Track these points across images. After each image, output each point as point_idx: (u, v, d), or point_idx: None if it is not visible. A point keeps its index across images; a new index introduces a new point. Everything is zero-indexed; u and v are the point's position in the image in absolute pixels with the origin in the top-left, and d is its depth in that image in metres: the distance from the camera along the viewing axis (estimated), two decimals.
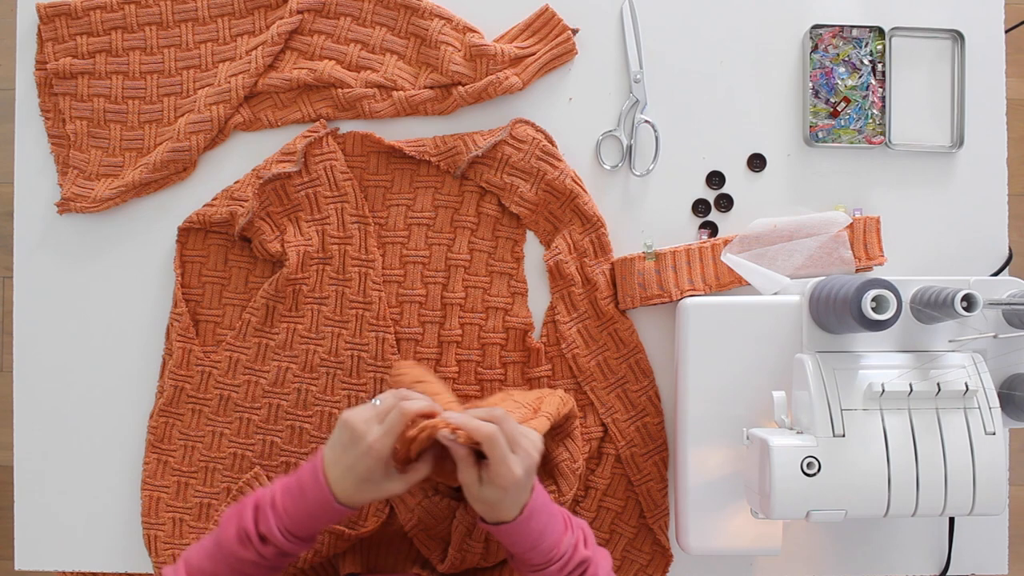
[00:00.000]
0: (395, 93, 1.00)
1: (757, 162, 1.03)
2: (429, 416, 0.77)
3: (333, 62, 1.00)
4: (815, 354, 0.87)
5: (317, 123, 1.01)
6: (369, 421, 0.77)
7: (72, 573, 1.04)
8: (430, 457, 0.80)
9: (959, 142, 1.03)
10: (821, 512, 0.80)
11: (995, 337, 0.87)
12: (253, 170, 1.01)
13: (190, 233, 1.01)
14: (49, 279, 1.02)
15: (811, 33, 1.01)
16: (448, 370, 1.00)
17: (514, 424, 0.78)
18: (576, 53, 1.02)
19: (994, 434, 0.82)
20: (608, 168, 1.02)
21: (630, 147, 1.02)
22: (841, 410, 0.82)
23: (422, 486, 0.95)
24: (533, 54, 1.01)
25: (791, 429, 0.86)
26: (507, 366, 1.00)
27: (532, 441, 0.79)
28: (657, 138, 1.01)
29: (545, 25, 1.01)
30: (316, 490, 0.76)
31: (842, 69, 1.02)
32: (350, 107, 1.00)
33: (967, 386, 0.82)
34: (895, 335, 0.89)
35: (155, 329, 1.02)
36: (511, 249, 1.01)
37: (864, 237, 0.99)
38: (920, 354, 0.88)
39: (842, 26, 1.01)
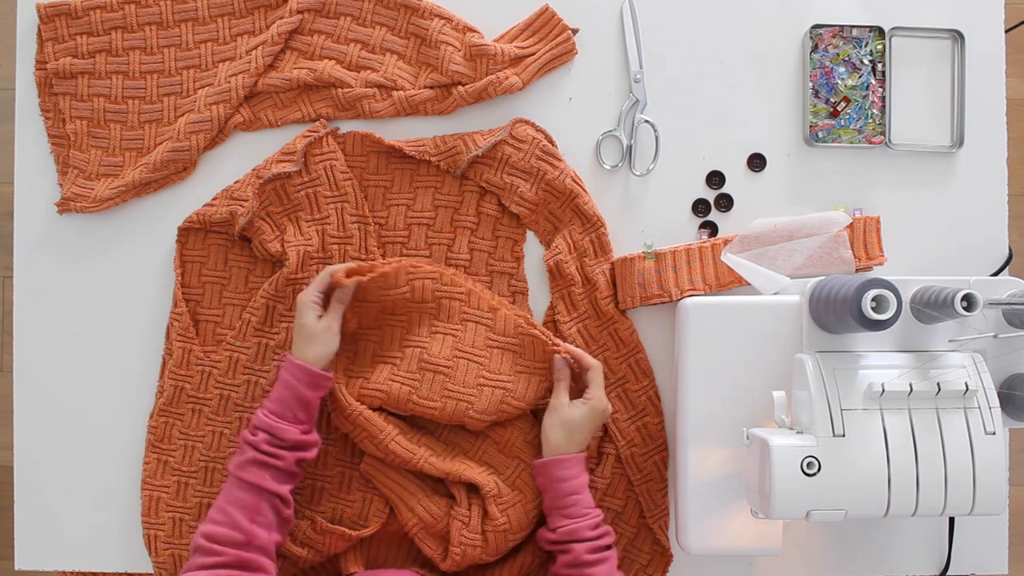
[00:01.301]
0: (395, 93, 1.00)
1: (757, 162, 1.03)
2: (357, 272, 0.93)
3: (333, 62, 1.00)
4: (815, 354, 0.87)
5: (317, 123, 1.01)
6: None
7: (72, 573, 1.04)
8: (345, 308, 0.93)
9: (959, 142, 1.03)
10: (821, 512, 0.80)
11: (995, 337, 0.87)
12: (253, 170, 1.01)
13: (190, 233, 1.01)
14: (49, 279, 1.02)
15: (811, 33, 1.01)
16: None
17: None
18: (576, 53, 1.02)
19: (994, 434, 0.82)
20: (608, 168, 1.02)
21: (630, 147, 1.02)
22: (841, 410, 0.82)
23: (422, 486, 0.95)
24: (533, 54, 1.00)
25: (791, 429, 0.86)
26: None
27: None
28: (657, 138, 1.01)
29: (545, 25, 1.01)
30: (286, 364, 0.91)
31: (842, 69, 1.02)
32: (350, 107, 1.00)
33: (967, 386, 0.82)
34: (895, 335, 0.89)
35: (155, 329, 1.02)
36: (511, 249, 1.01)
37: (864, 237, 0.99)
38: (920, 354, 0.88)
39: (842, 26, 1.01)
